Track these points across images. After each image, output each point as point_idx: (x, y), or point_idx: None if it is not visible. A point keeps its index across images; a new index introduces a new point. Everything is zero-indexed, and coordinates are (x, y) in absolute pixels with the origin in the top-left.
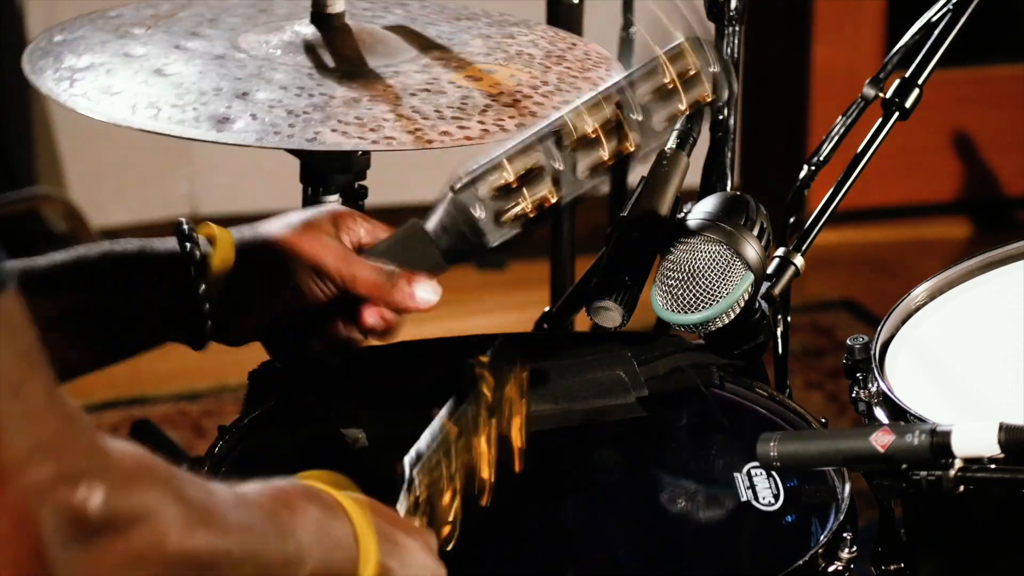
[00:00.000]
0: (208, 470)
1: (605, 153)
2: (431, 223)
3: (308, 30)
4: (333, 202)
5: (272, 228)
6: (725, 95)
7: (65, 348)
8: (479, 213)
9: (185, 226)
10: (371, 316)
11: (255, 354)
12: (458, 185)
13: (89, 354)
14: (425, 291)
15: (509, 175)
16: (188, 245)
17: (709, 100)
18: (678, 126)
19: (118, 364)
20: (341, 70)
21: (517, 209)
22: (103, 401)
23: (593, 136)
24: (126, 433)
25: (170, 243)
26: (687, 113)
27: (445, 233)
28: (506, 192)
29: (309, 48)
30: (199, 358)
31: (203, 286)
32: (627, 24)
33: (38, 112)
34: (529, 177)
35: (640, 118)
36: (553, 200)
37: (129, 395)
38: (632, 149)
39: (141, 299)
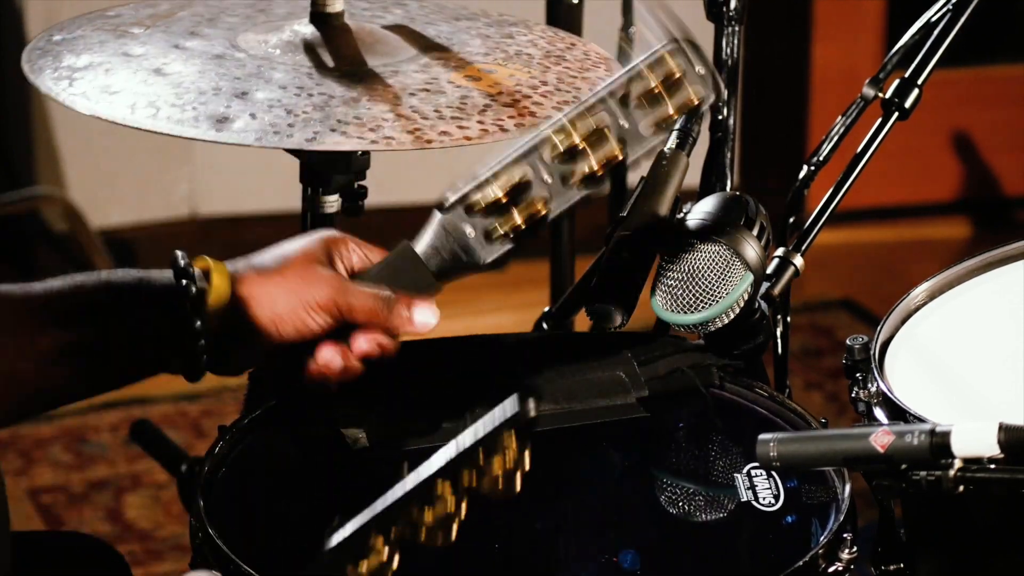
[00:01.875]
0: (208, 470)
1: (594, 163)
2: (421, 245)
3: (307, 29)
4: (332, 203)
5: (266, 260)
6: (712, 98)
7: (59, 380)
8: (469, 231)
9: (181, 260)
10: (365, 342)
11: None
12: (447, 204)
13: (82, 386)
14: (423, 314)
15: (498, 191)
16: (184, 280)
17: (696, 104)
18: (670, 130)
19: (109, 392)
20: (340, 70)
21: (508, 226)
22: (103, 401)
23: (580, 147)
24: (126, 433)
25: (167, 275)
26: (675, 118)
27: (436, 254)
28: (495, 209)
29: (308, 47)
30: None
31: (199, 322)
32: (627, 24)
33: (38, 112)
34: (518, 192)
35: (627, 125)
36: (543, 213)
37: (129, 395)
38: (620, 157)
39: (138, 334)
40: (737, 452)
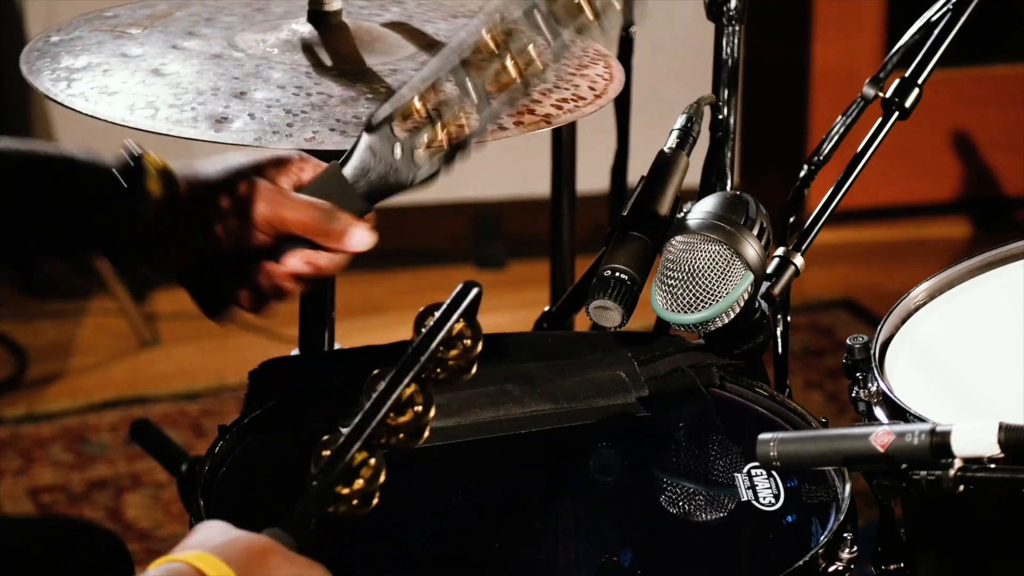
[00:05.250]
0: (208, 470)
1: (514, 73)
2: (349, 167)
3: (305, 28)
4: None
5: (209, 167)
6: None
7: None
8: (397, 151)
9: (135, 150)
10: (296, 261)
11: (255, 353)
12: (373, 124)
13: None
14: (359, 235)
15: (421, 109)
16: (129, 165)
17: (618, 8)
18: (590, 33)
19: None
20: (339, 68)
21: (433, 143)
22: (103, 401)
23: (501, 58)
24: (126, 433)
25: (112, 159)
26: (595, 23)
27: (364, 175)
28: (421, 126)
29: (306, 47)
30: (199, 358)
31: (134, 207)
32: (627, 24)
33: (38, 112)
34: (442, 108)
35: (548, 33)
36: (467, 129)
37: (129, 395)
38: (542, 67)
39: (67, 203)
40: (737, 452)
